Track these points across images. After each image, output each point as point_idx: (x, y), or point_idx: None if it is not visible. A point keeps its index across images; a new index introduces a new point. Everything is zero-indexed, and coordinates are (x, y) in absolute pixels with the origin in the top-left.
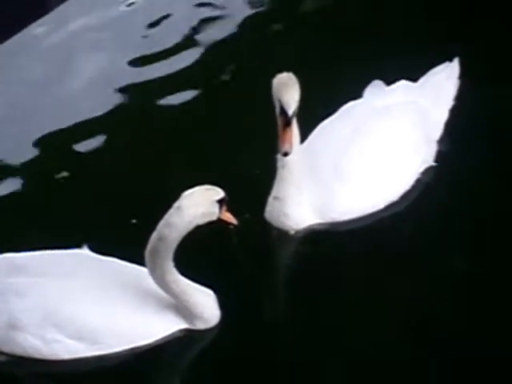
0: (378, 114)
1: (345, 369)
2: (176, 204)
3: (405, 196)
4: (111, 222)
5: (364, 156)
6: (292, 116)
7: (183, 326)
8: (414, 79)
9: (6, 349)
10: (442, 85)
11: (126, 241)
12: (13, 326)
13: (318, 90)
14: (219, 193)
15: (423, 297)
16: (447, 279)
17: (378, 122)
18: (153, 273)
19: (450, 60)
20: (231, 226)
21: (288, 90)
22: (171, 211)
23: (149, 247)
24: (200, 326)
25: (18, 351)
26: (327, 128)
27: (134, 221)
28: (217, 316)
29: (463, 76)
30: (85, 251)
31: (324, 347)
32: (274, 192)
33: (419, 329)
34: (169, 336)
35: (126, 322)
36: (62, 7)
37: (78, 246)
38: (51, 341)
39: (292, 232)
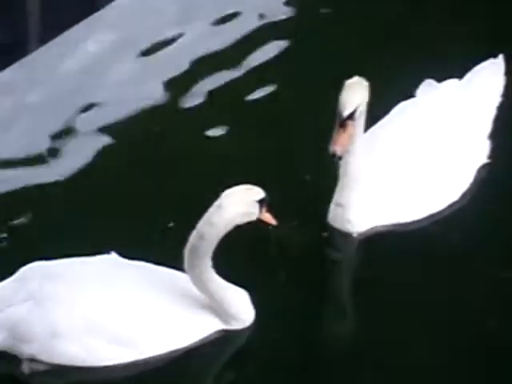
0: (432, 115)
1: (386, 376)
2: (216, 203)
3: (464, 194)
4: (141, 226)
5: (422, 157)
6: (346, 118)
7: (219, 326)
8: (461, 77)
9: (45, 358)
10: (488, 81)
11: (153, 245)
12: (53, 334)
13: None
14: (260, 193)
15: (487, 302)
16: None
17: (432, 122)
18: (191, 272)
19: (495, 57)
20: (270, 227)
21: (349, 92)
22: (211, 210)
23: (188, 246)
24: (235, 325)
25: (58, 359)
26: (383, 130)
27: (171, 224)
28: (252, 315)
29: (509, 73)
30: (114, 256)
31: (363, 350)
32: (336, 198)
33: (478, 336)
34: (205, 338)
35: (163, 325)
36: None
37: (107, 251)
38: (91, 347)
39: (355, 235)
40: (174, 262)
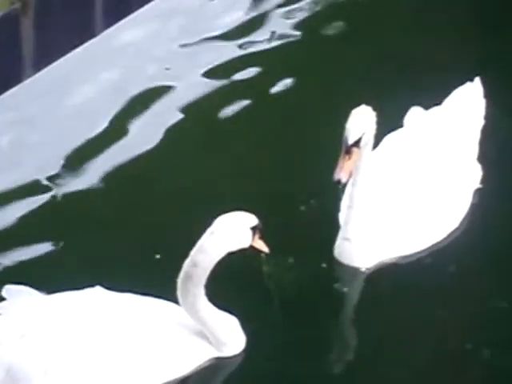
0: (423, 144)
1: None
2: (209, 229)
3: (462, 222)
4: (127, 258)
5: (419, 187)
6: (351, 145)
7: (211, 354)
8: (439, 103)
9: None
10: (470, 105)
11: (139, 277)
12: (46, 372)
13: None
14: (252, 220)
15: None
16: None
17: (424, 152)
18: (184, 300)
19: (471, 80)
20: (262, 255)
21: (355, 119)
22: (204, 237)
23: (182, 273)
24: (226, 352)
25: None
26: (376, 164)
27: (158, 256)
28: (242, 342)
29: (487, 95)
30: (99, 289)
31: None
32: (342, 233)
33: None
34: (198, 366)
35: (157, 356)
36: None
37: (92, 285)
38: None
39: (363, 269)
40: (161, 293)
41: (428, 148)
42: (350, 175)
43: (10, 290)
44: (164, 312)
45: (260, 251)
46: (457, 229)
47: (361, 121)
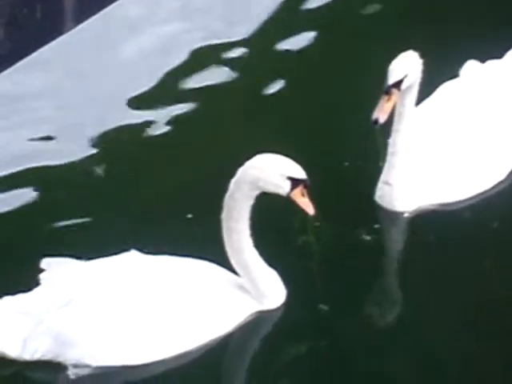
0: (477, 95)
1: (417, 362)
2: (247, 163)
3: (510, 175)
4: (159, 219)
5: (468, 137)
6: (391, 86)
7: (253, 309)
8: (501, 57)
9: (90, 361)
10: None
11: (173, 238)
12: (94, 336)
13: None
14: (295, 169)
15: None
16: None
17: (478, 103)
18: (228, 238)
19: None
20: (308, 216)
21: (398, 62)
22: (241, 168)
23: (224, 208)
24: (268, 305)
25: (102, 361)
26: (428, 111)
27: (190, 215)
28: (283, 294)
29: None
30: (134, 253)
31: (398, 333)
32: (384, 177)
33: None
34: (241, 321)
35: (201, 316)
36: None
37: (127, 249)
38: (135, 346)
39: (405, 214)
40: (196, 251)
41: (480, 99)
42: (387, 116)
43: (48, 261)
44: (202, 270)
45: (303, 210)
46: (502, 182)
47: (404, 63)
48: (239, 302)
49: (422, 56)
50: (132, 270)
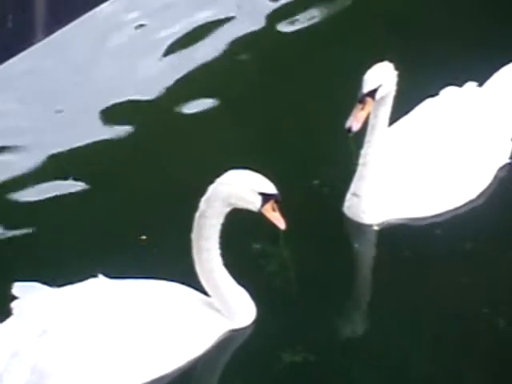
0: (455, 114)
1: (389, 375)
2: (218, 180)
3: (482, 193)
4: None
5: (442, 154)
6: (365, 95)
7: (225, 328)
8: (483, 82)
9: None
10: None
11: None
12: (65, 367)
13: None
14: (266, 186)
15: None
16: None
17: (454, 121)
18: (199, 258)
19: None
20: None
21: (374, 71)
22: (212, 186)
23: (194, 226)
24: (239, 322)
25: None
26: (405, 126)
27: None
28: (254, 311)
29: None
30: (101, 279)
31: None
32: (353, 189)
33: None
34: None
35: (175, 339)
36: None
37: (93, 275)
38: (110, 373)
39: (373, 227)
40: (163, 274)
41: (457, 117)
42: (361, 124)
43: (20, 287)
44: (171, 292)
45: (275, 225)
46: (474, 201)
47: (379, 73)
48: (211, 322)
49: (397, 68)
50: (102, 296)
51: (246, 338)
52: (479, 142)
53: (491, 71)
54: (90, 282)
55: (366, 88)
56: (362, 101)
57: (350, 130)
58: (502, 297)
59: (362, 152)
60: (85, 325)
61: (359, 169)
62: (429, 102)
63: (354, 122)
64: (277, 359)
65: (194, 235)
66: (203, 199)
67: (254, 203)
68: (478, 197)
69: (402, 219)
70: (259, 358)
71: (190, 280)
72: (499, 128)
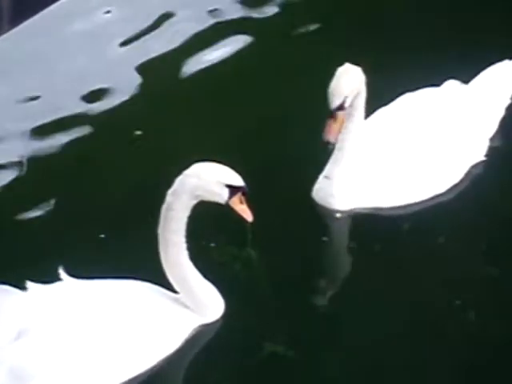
0: (433, 107)
1: (358, 365)
2: (184, 172)
3: (452, 189)
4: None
5: (414, 147)
6: (335, 109)
7: (194, 323)
8: (468, 80)
9: None
10: (498, 83)
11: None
12: (44, 369)
13: (375, 80)
14: (233, 178)
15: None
16: (476, 281)
17: (431, 115)
18: (165, 251)
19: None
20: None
21: (338, 82)
22: (178, 179)
23: (160, 219)
24: (208, 317)
25: None
26: (382, 117)
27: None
28: (222, 305)
29: None
30: (70, 280)
31: (337, 336)
32: (326, 171)
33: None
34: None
35: (146, 338)
36: None
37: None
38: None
39: (338, 215)
40: (126, 272)
41: (435, 112)
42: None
43: None
44: (139, 291)
45: (242, 218)
46: (444, 195)
47: (343, 83)
48: (180, 319)
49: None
50: (73, 299)
51: (217, 332)
52: (453, 138)
53: (472, 70)
54: (60, 283)
55: (334, 104)
56: (332, 116)
57: (328, 142)
58: (470, 290)
59: (340, 137)
60: (57, 328)
61: (335, 153)
62: (408, 95)
63: (330, 135)
64: (248, 352)
65: (160, 229)
66: (170, 191)
67: (220, 195)
68: (449, 192)
69: (368, 209)
70: (231, 352)
71: (156, 278)
72: (477, 125)
